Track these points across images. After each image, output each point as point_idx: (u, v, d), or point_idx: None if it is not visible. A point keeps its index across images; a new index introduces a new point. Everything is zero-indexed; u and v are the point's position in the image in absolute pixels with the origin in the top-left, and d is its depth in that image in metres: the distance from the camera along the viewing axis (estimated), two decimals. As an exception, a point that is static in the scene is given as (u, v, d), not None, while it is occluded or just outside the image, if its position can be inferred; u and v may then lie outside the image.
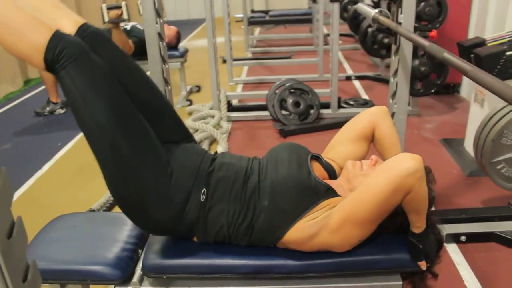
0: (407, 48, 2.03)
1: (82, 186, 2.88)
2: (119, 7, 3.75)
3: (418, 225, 1.29)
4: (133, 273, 1.41)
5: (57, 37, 1.26)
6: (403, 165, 1.18)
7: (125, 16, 3.76)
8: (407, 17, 1.97)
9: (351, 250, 1.32)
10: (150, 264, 1.36)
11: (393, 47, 2.10)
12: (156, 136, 1.39)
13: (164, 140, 1.44)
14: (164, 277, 1.37)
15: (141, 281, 1.40)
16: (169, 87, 1.87)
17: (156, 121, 1.45)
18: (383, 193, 1.20)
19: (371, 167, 1.41)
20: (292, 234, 1.32)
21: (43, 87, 4.50)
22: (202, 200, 1.35)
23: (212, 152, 1.52)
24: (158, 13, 1.75)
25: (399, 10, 1.99)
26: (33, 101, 4.71)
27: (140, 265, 1.42)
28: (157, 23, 1.74)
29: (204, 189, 1.36)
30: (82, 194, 2.75)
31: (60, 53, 1.24)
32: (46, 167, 3.26)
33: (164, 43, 1.80)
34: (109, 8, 3.75)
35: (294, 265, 1.32)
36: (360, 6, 2.48)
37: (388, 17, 2.07)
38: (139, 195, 1.31)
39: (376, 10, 2.17)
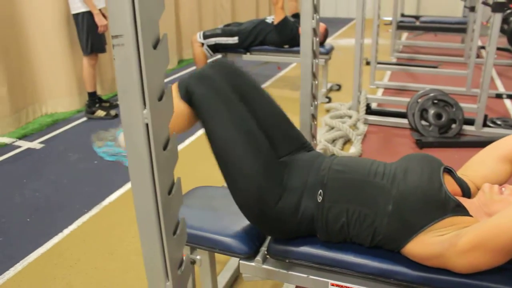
0: None
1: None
2: None
3: None
4: (257, 251, 1.49)
5: None
6: None
7: None
8: None
9: (481, 274, 1.25)
10: (275, 246, 1.44)
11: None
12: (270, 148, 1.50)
13: (282, 151, 1.55)
14: (287, 261, 1.43)
15: (264, 260, 1.48)
16: (316, 82, 1.93)
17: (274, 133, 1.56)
18: None
19: None
20: (415, 246, 1.29)
21: (194, 67, 4.86)
22: (319, 201, 1.39)
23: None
24: (316, 9, 1.80)
25: None
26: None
27: (265, 245, 1.50)
28: (313, 19, 1.80)
29: (320, 190, 1.40)
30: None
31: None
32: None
33: (317, 39, 1.86)
34: None
35: (417, 276, 1.30)
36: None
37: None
38: (257, 202, 1.40)
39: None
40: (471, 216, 1.31)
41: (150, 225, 0.86)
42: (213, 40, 4.53)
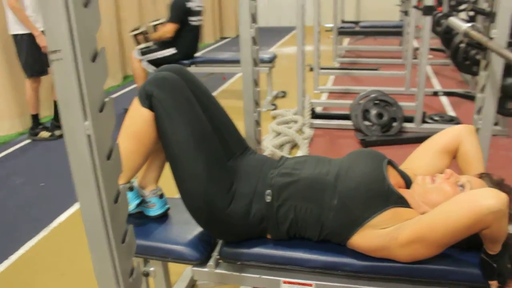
0: (497, 63, 1.99)
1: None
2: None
3: (493, 249, 1.28)
4: (210, 256, 1.52)
5: None
6: (485, 201, 1.16)
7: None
8: (500, 32, 1.94)
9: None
10: (227, 250, 1.48)
11: (482, 62, 2.07)
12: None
13: (230, 154, 1.59)
14: (238, 263, 1.47)
15: (216, 264, 1.50)
16: (258, 89, 1.98)
17: (222, 136, 1.60)
18: (460, 224, 1.21)
19: (445, 180, 1.40)
20: (360, 238, 1.36)
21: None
22: (268, 201, 1.44)
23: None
24: (253, 18, 1.85)
25: (492, 25, 1.96)
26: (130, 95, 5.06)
27: (217, 250, 1.53)
28: (251, 28, 1.85)
29: (269, 191, 1.44)
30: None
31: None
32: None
33: (256, 47, 1.91)
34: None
35: (363, 265, 1.37)
36: (452, 20, 2.46)
37: (480, 32, 2.05)
38: (207, 204, 1.44)
39: (469, 24, 2.15)
40: (410, 208, 1.39)
41: (98, 235, 0.87)
42: (151, 56, 4.48)
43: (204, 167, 1.43)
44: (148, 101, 1.46)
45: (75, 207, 2.84)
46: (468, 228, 1.21)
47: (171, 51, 4.52)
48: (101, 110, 0.85)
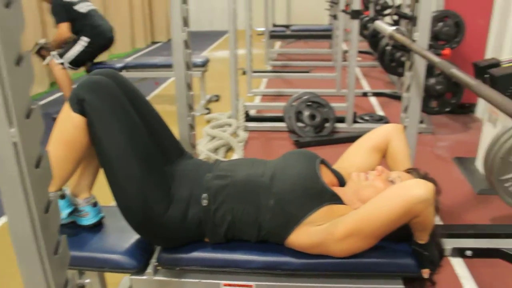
0: (420, 64, 2.10)
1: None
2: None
3: (422, 238, 1.35)
4: (147, 264, 1.49)
5: None
6: (415, 191, 1.23)
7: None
8: (421, 34, 2.04)
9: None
10: (165, 256, 1.45)
11: (407, 64, 2.17)
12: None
13: (165, 159, 1.56)
14: (177, 268, 1.45)
15: (155, 271, 1.47)
16: (192, 93, 1.97)
17: (158, 141, 1.57)
18: (392, 215, 1.26)
19: (377, 177, 1.45)
20: (297, 237, 1.38)
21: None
22: (205, 205, 1.43)
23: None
24: (185, 22, 1.84)
25: (415, 28, 2.06)
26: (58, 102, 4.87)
27: (155, 256, 1.50)
28: (183, 32, 1.84)
29: (205, 194, 1.44)
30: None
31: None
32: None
33: (189, 51, 1.90)
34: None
35: (301, 263, 1.39)
36: (378, 24, 2.56)
37: (404, 35, 2.15)
38: (144, 211, 1.41)
39: (394, 28, 2.25)
40: (344, 204, 1.43)
41: (28, 247, 0.83)
42: (71, 54, 4.32)
43: (140, 173, 1.40)
44: (80, 106, 1.42)
45: (2, 220, 2.69)
46: (400, 217, 1.26)
47: (84, 40, 4.36)
48: (27, 117, 0.81)
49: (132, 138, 1.43)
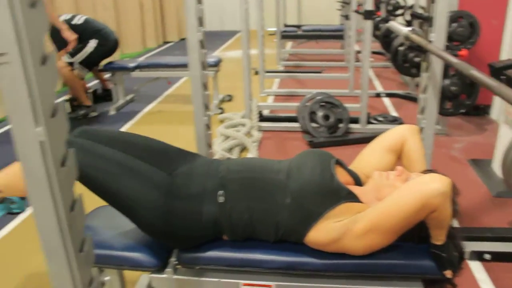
0: (437, 65, 2.08)
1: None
2: None
3: (439, 238, 1.36)
4: (167, 262, 1.49)
5: None
6: (432, 185, 1.25)
7: None
8: (438, 35, 2.02)
9: (376, 254, 1.38)
10: (185, 255, 1.46)
11: (423, 65, 2.15)
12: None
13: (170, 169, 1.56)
14: (197, 267, 1.45)
15: (175, 270, 1.48)
16: (207, 93, 1.97)
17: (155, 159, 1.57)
18: (410, 208, 1.27)
19: (397, 177, 1.46)
20: (316, 233, 1.38)
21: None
22: (221, 202, 1.44)
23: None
24: (201, 22, 1.85)
25: (431, 29, 2.05)
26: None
27: (174, 255, 1.50)
28: (198, 31, 1.84)
29: (221, 191, 1.45)
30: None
31: None
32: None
33: (204, 51, 1.90)
34: None
35: (320, 263, 1.39)
36: (393, 24, 2.55)
37: (420, 36, 2.13)
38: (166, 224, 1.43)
39: (409, 28, 2.24)
40: (361, 202, 1.44)
41: (55, 245, 0.84)
42: (81, 54, 4.33)
43: (150, 194, 1.43)
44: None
45: (10, 227, 2.69)
46: (417, 211, 1.27)
47: (93, 41, 4.39)
48: (53, 115, 0.82)
49: (126, 167, 1.46)
